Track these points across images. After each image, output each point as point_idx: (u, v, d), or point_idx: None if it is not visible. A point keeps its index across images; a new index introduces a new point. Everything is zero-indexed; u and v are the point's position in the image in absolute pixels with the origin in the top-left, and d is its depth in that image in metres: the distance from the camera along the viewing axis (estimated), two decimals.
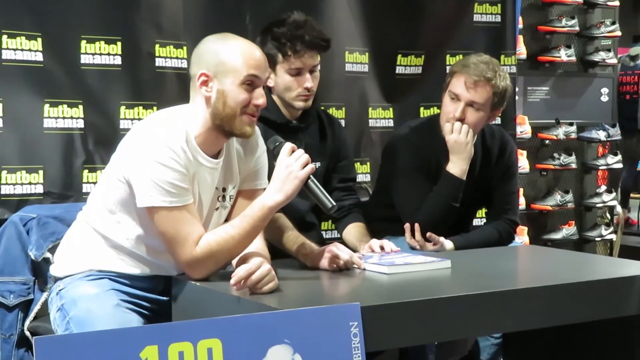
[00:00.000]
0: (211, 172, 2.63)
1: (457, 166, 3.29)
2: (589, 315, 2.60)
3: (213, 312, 2.36)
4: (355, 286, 2.66)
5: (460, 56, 4.18)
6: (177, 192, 2.49)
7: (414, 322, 2.27)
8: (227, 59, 2.55)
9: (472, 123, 3.28)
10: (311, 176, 2.55)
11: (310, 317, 2.11)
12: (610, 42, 6.14)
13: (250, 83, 2.57)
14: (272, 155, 2.67)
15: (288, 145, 2.57)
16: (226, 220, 2.73)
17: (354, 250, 2.97)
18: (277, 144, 2.64)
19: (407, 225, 3.23)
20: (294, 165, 2.52)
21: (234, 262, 2.56)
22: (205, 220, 2.65)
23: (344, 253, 2.71)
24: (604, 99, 6.22)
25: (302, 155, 2.54)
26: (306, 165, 2.53)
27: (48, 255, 2.99)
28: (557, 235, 5.85)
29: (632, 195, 9.20)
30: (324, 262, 2.71)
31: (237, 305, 2.35)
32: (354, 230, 3.29)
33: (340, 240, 3.31)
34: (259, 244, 2.62)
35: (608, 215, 6.28)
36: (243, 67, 2.55)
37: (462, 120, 3.27)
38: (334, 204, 2.61)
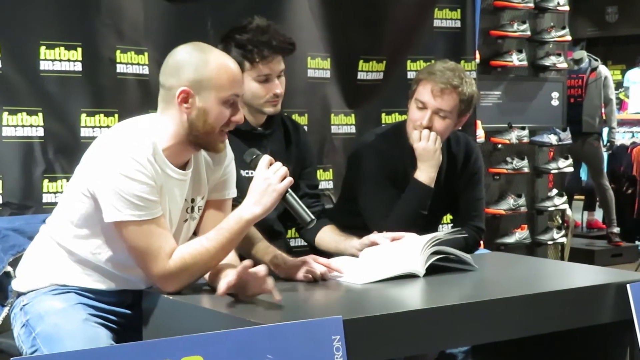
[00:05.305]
0: (180, 184, 2.57)
1: (425, 173, 3.28)
2: (566, 324, 2.61)
3: (186, 326, 2.32)
4: (331, 298, 2.63)
5: (421, 61, 4.20)
6: (145, 205, 2.43)
7: (398, 334, 2.24)
8: (210, 77, 2.48)
9: (440, 130, 3.27)
10: (289, 189, 2.52)
11: (292, 332, 2.08)
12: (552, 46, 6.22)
13: (232, 102, 2.53)
14: (248, 167, 2.62)
15: (266, 158, 2.54)
16: (195, 232, 2.68)
17: (333, 255, 2.95)
18: (254, 156, 2.61)
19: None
20: (272, 178, 2.48)
21: (207, 275, 2.53)
22: (175, 233, 2.59)
23: (320, 266, 2.68)
24: (555, 103, 6.29)
25: (280, 168, 2.51)
26: (284, 178, 2.50)
27: (9, 269, 2.91)
28: (510, 239, 5.89)
29: (575, 196, 9.36)
30: (299, 274, 2.67)
31: (211, 319, 2.31)
32: (330, 233, 3.24)
33: (308, 249, 3.27)
34: (231, 257, 2.58)
35: (559, 218, 6.34)
36: (227, 85, 2.50)
37: (429, 128, 3.26)
38: (313, 217, 2.58)
